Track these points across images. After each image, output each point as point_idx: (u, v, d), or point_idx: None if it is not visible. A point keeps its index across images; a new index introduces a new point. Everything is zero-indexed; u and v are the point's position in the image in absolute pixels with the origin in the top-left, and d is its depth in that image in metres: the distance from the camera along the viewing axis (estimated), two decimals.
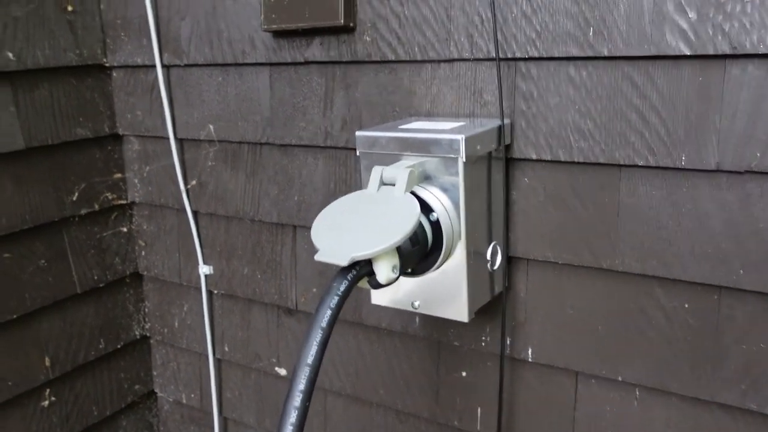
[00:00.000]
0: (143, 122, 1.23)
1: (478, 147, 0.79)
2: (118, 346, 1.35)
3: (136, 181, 1.29)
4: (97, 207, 1.26)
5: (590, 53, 0.79)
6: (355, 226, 0.72)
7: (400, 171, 0.76)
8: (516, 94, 0.86)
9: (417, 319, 1.02)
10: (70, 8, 1.17)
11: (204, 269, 1.24)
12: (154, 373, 1.43)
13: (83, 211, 1.24)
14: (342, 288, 0.66)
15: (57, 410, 1.25)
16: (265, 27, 1.00)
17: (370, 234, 0.69)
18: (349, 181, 1.03)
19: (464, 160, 0.76)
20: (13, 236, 1.14)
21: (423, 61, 0.92)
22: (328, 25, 0.95)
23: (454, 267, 0.81)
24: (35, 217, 1.16)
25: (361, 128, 0.99)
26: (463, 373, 1.00)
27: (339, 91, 1.00)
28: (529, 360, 0.94)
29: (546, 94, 0.83)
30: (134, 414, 1.41)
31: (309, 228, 1.10)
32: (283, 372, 1.20)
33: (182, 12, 1.12)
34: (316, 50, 1.00)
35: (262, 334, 1.22)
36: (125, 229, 1.33)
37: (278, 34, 1.03)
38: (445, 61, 0.90)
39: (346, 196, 0.79)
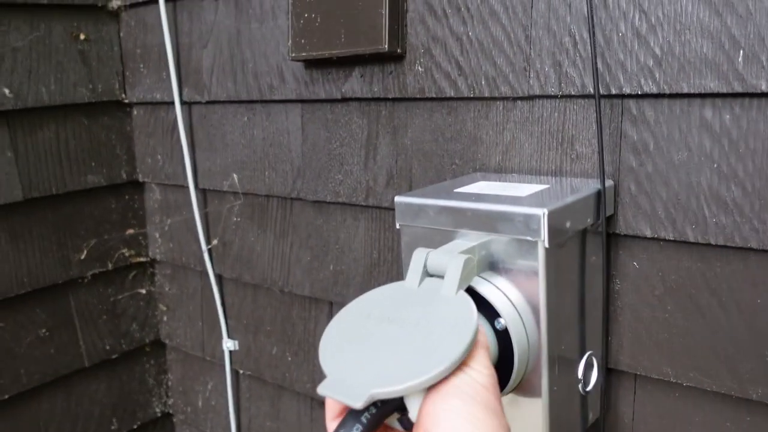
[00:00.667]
0: (163, 168, 1.05)
1: (568, 224, 0.54)
2: (134, 427, 1.16)
3: (158, 235, 1.11)
4: (110, 266, 1.08)
5: (738, 88, 0.54)
6: (382, 342, 0.48)
7: (451, 259, 0.52)
8: (623, 145, 0.61)
9: None
10: (82, 36, 1.01)
11: (228, 344, 1.04)
12: None
13: (94, 271, 1.06)
14: None
15: None
16: (294, 55, 0.79)
17: (403, 356, 0.46)
18: (396, 249, 0.80)
19: (546, 244, 0.52)
20: (8, 302, 0.97)
21: (492, 99, 0.68)
22: (370, 52, 0.73)
23: (529, 392, 0.56)
24: (35, 280, 0.99)
25: (411, 184, 0.76)
26: None
27: (384, 135, 0.78)
28: None
29: (668, 146, 0.58)
30: None
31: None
32: None
33: (204, 38, 0.94)
34: (355, 84, 0.78)
35: (292, 428, 1.00)
36: (144, 291, 1.15)
37: (310, 63, 0.82)
38: (522, 98, 0.66)
39: (376, 290, 0.56)
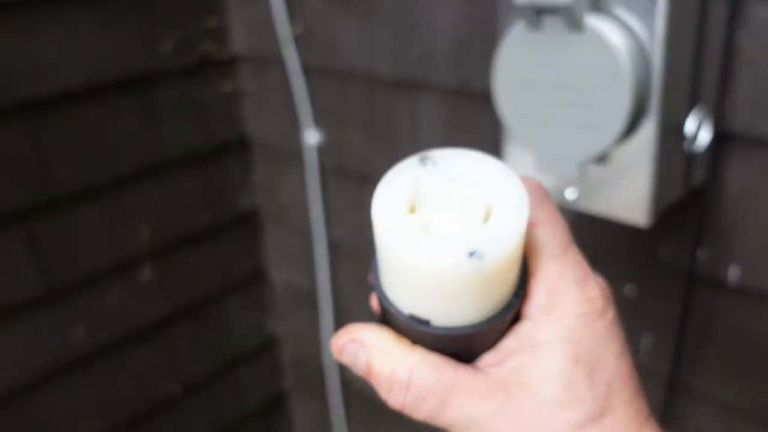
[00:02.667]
0: None
1: None
2: (224, 220, 1.21)
3: (239, 27, 1.09)
4: (195, 60, 1.08)
5: None
6: None
7: None
8: None
9: (565, 213, 0.75)
10: None
11: (314, 137, 1.04)
12: (266, 250, 1.29)
13: (180, 65, 1.06)
14: None
15: (159, 284, 1.15)
16: None
17: None
18: (489, 24, 0.75)
19: None
20: (98, 91, 0.99)
21: None
22: None
23: (634, 142, 0.54)
24: (122, 69, 1.00)
25: None
26: (627, 289, 0.75)
27: None
28: (731, 282, 0.66)
29: None
30: (244, 292, 1.30)
31: (434, 89, 0.84)
32: None
33: None
34: None
35: None
36: (229, 87, 1.15)
37: None
38: None
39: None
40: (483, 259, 0.26)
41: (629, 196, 0.55)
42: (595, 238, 0.74)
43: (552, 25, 0.51)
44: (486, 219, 0.28)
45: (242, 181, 1.22)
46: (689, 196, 0.62)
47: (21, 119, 0.93)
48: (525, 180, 0.30)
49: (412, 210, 0.29)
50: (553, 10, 0.49)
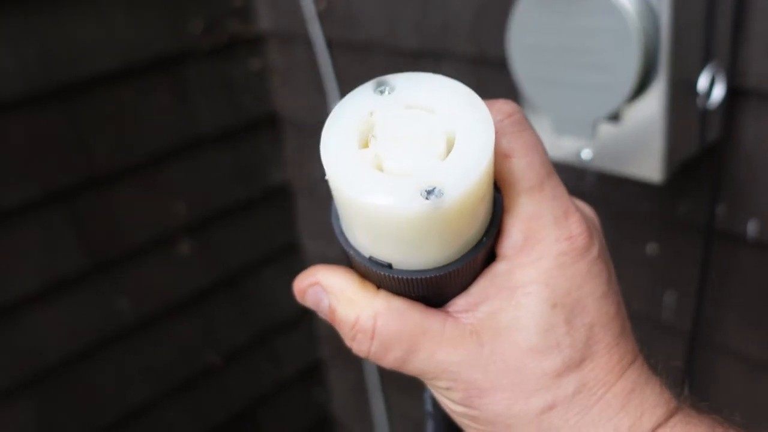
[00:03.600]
0: None
1: None
2: (258, 194, 1.25)
3: (265, 6, 1.11)
4: (224, 40, 1.11)
5: None
6: None
7: None
8: None
9: (586, 176, 0.77)
10: None
11: None
12: (299, 221, 1.33)
13: (208, 45, 1.09)
14: None
15: (196, 258, 1.19)
16: None
17: None
18: None
19: None
20: (132, 72, 1.03)
21: None
22: None
23: (646, 100, 0.55)
24: (153, 51, 1.04)
25: None
26: (648, 248, 0.76)
27: None
28: (749, 237, 0.66)
29: None
30: (279, 263, 1.34)
31: (454, 58, 0.86)
32: None
33: None
34: None
35: None
36: (257, 63, 1.18)
37: None
38: None
39: None
40: (441, 198, 0.23)
41: (643, 154, 0.56)
42: (615, 198, 0.75)
43: None
44: (448, 152, 0.25)
45: (273, 156, 1.25)
46: (705, 152, 0.63)
47: (59, 102, 0.97)
48: (499, 104, 0.28)
49: (365, 144, 0.26)
50: None
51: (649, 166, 0.56)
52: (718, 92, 0.59)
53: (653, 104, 0.54)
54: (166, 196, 1.12)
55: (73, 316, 1.06)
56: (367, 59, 0.99)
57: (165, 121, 1.08)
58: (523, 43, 0.58)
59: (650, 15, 0.52)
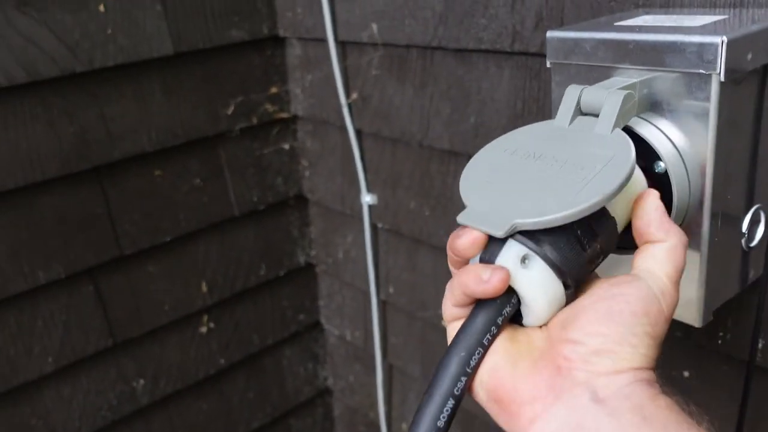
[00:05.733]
0: (303, 21, 1.04)
1: (749, 56, 0.48)
2: (281, 274, 1.24)
3: (299, 91, 1.12)
4: (255, 121, 1.12)
5: None
6: (528, 176, 0.46)
7: (608, 94, 0.48)
8: None
9: None
10: None
11: (367, 198, 1.06)
12: (320, 303, 1.31)
13: (241, 126, 1.10)
14: (471, 363, 0.42)
15: (216, 337, 1.18)
16: None
17: (550, 190, 0.44)
18: (543, 100, 0.76)
19: (722, 78, 0.46)
20: (165, 152, 1.04)
21: None
22: None
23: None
24: (187, 132, 1.05)
25: (562, 25, 0.70)
26: (685, 373, 0.73)
27: None
28: None
29: None
30: (299, 344, 1.32)
31: None
32: None
33: None
34: None
35: (428, 280, 1.02)
36: (287, 146, 1.18)
37: None
38: None
39: (523, 128, 0.53)
40: None
41: (682, 297, 0.54)
42: None
43: (584, 123, 0.50)
44: None
45: (299, 236, 1.25)
46: (746, 290, 0.60)
47: (91, 181, 0.98)
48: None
49: None
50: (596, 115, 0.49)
51: (687, 312, 0.54)
52: (761, 232, 0.56)
53: (692, 251, 0.52)
54: (191, 274, 1.12)
55: (88, 395, 1.05)
56: (397, 151, 0.99)
57: (194, 200, 1.09)
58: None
59: (688, 162, 0.50)
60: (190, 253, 1.11)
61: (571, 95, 0.50)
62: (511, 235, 0.42)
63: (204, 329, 1.16)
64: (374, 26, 0.92)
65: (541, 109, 0.76)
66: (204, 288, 1.14)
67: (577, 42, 0.53)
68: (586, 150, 0.47)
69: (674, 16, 0.56)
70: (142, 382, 1.10)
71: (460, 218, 0.44)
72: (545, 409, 0.39)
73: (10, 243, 0.93)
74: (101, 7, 0.93)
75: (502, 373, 0.41)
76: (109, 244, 1.01)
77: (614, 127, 0.48)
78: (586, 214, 0.42)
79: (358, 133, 1.04)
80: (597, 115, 0.49)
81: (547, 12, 0.71)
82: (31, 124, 0.91)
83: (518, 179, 0.46)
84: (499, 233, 0.42)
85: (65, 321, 1.00)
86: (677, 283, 0.42)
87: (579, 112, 0.50)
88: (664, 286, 0.41)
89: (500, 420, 0.42)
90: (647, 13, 0.59)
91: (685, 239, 0.43)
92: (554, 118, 0.52)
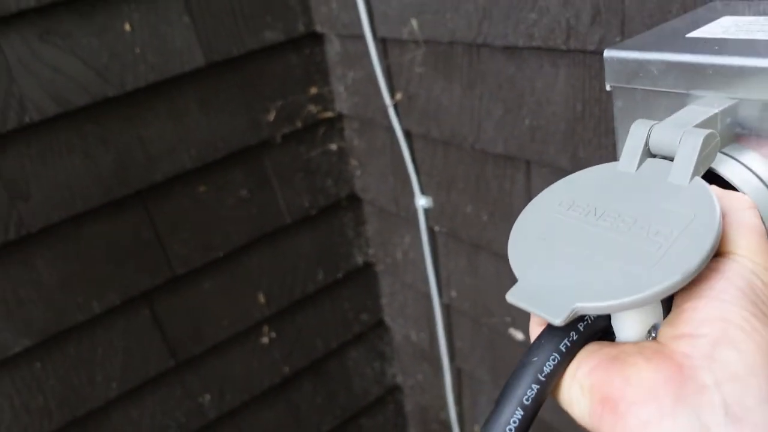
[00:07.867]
0: (339, 16, 0.97)
1: None
2: (339, 276, 1.19)
3: (342, 89, 1.05)
4: (300, 124, 1.06)
5: None
6: (589, 242, 0.39)
7: (686, 135, 0.39)
8: None
9: None
10: None
11: (422, 201, 0.99)
12: (383, 302, 1.27)
13: (284, 131, 1.05)
14: (545, 370, 0.36)
15: (278, 346, 1.15)
16: None
17: (617, 262, 0.36)
18: (606, 102, 0.67)
19: None
20: (207, 167, 1.00)
21: None
22: None
23: None
24: (228, 144, 1.00)
25: (623, 19, 0.61)
26: None
27: None
28: None
29: None
30: (364, 344, 1.28)
31: (546, 165, 0.77)
32: (519, 336, 0.93)
33: None
34: None
35: (492, 286, 0.95)
36: (335, 147, 1.12)
37: None
38: None
39: (580, 173, 0.45)
40: None
41: None
42: None
43: (655, 167, 0.42)
44: None
45: (355, 236, 1.20)
46: None
47: (135, 205, 0.95)
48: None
49: None
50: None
51: None
52: None
53: None
54: (247, 287, 1.09)
55: (155, 414, 1.04)
56: (449, 153, 0.91)
57: (242, 212, 1.05)
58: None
59: None
60: (244, 265, 1.08)
61: (638, 134, 0.42)
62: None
63: (266, 339, 1.14)
64: (414, 22, 0.84)
65: (604, 112, 0.66)
66: (261, 299, 1.11)
67: (641, 64, 0.45)
68: (659, 205, 0.39)
69: (762, 19, 0.46)
70: (208, 397, 1.10)
71: (510, 297, 0.37)
72: (662, 413, 0.31)
73: (61, 276, 0.92)
74: (127, 26, 0.88)
75: (609, 369, 0.34)
76: (160, 266, 0.99)
77: (693, 175, 0.39)
78: (662, 297, 0.35)
79: (407, 134, 0.96)
80: (671, 158, 0.41)
81: (605, 4, 0.62)
82: (68, 157, 0.88)
83: (577, 244, 0.39)
84: (557, 321, 0.35)
85: (124, 347, 0.99)
86: None
87: (648, 153, 0.42)
88: (756, 268, 0.35)
89: (604, 424, 0.35)
90: (727, 11, 0.49)
91: None
92: (618, 160, 0.43)
